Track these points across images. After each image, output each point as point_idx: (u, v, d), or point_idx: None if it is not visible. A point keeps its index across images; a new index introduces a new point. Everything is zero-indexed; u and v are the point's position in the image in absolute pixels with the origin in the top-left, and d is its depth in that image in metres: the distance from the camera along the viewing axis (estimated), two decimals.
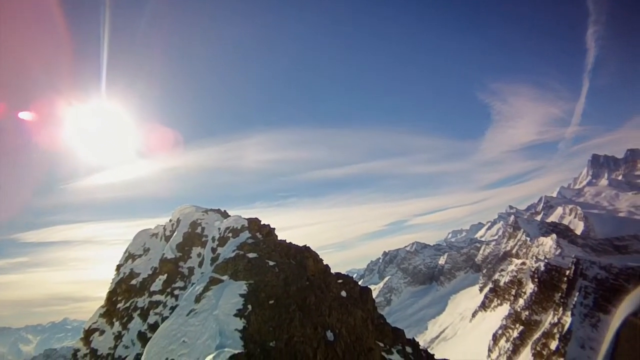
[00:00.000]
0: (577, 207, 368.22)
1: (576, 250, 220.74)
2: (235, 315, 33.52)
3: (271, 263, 40.89)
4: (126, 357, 45.52)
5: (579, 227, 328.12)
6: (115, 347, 48.26)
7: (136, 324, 48.90)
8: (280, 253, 43.76)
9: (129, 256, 59.82)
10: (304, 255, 44.47)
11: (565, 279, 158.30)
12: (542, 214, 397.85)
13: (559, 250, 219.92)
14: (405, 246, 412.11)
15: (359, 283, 51.47)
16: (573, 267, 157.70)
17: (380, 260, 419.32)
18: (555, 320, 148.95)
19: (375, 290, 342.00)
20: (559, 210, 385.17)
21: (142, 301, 51.23)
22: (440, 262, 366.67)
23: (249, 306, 34.46)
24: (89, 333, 52.20)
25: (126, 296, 53.36)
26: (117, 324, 51.02)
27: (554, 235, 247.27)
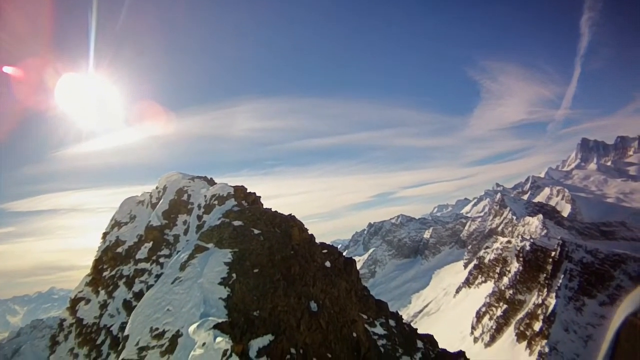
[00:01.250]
0: (564, 189, 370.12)
1: (562, 232, 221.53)
2: (220, 283, 33.36)
3: (256, 231, 40.60)
4: (111, 326, 45.48)
5: (565, 210, 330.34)
6: (101, 316, 48.12)
7: (121, 293, 48.77)
8: (265, 221, 43.46)
9: (115, 224, 59.44)
10: (289, 224, 44.22)
11: (551, 260, 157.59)
12: (529, 193, 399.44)
13: (545, 231, 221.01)
14: (391, 218, 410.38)
15: (344, 254, 51.62)
16: (559, 248, 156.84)
17: (365, 232, 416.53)
18: (540, 301, 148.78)
19: (360, 261, 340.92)
20: (546, 191, 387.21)
21: (127, 269, 51.09)
22: (425, 236, 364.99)
23: (234, 275, 34.28)
24: (74, 302, 52.04)
25: (112, 264, 53.15)
26: (102, 292, 50.83)
27: (540, 216, 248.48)
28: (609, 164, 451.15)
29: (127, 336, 33.53)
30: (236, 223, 41.53)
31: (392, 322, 53.77)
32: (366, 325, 46.82)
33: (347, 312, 40.36)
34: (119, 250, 54.03)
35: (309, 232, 46.50)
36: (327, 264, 44.43)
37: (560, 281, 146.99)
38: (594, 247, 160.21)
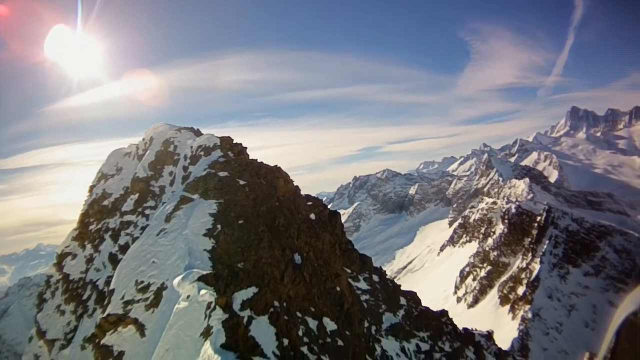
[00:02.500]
0: (552, 155, 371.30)
1: (548, 198, 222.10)
2: (205, 235, 32.95)
3: (242, 182, 40.11)
4: (97, 280, 45.07)
5: (552, 175, 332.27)
6: (87, 270, 47.73)
7: (107, 246, 48.27)
8: (251, 172, 42.85)
9: (102, 176, 58.54)
10: (275, 176, 43.72)
11: (536, 225, 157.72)
12: (516, 156, 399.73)
13: (531, 195, 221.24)
14: (377, 173, 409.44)
15: (329, 207, 51.45)
16: (545, 214, 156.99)
17: (351, 185, 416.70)
18: (524, 265, 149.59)
19: (344, 215, 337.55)
20: (534, 155, 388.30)
21: (113, 222, 50.50)
22: (410, 192, 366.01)
23: (219, 226, 33.81)
24: (61, 258, 51.54)
25: (98, 217, 52.48)
26: (88, 246, 50.30)
27: (527, 179, 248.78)
28: (598, 134, 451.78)
29: (113, 290, 33.53)
30: (222, 174, 40.94)
31: (375, 278, 53.94)
32: (350, 280, 46.92)
33: (331, 266, 40.38)
34: (105, 203, 53.34)
35: (295, 183, 46.19)
36: (312, 216, 44.34)
37: (545, 247, 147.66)
38: (580, 215, 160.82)
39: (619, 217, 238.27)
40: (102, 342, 30.38)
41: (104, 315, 31.59)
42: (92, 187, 58.14)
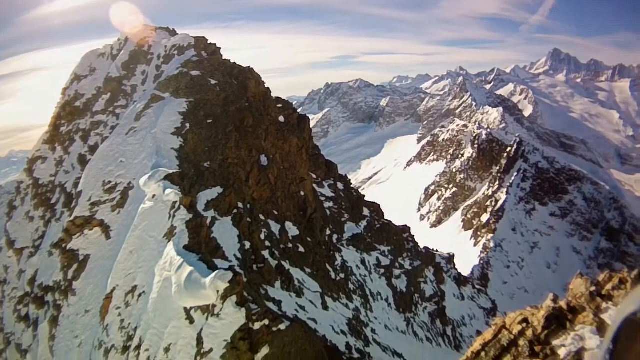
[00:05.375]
0: (529, 90, 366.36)
1: (521, 131, 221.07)
2: (173, 133, 30.78)
3: (213, 82, 37.57)
4: (66, 183, 42.85)
5: (527, 110, 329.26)
6: (57, 173, 45.43)
7: (77, 147, 45.73)
8: (223, 72, 40.35)
9: (75, 78, 54.89)
10: (247, 77, 41.26)
11: (506, 155, 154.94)
12: (492, 84, 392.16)
13: (503, 125, 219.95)
14: (349, 81, 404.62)
15: (298, 111, 49.40)
16: (516, 145, 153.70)
17: (322, 92, 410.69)
18: (490, 193, 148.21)
19: (313, 120, 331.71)
20: (510, 86, 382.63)
21: (84, 123, 47.65)
22: (381, 104, 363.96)
23: (187, 125, 31.84)
24: (31, 162, 48.75)
25: (69, 119, 49.54)
26: (59, 149, 47.47)
27: (500, 109, 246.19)
28: (578, 81, 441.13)
29: (80, 192, 31.80)
30: (194, 73, 38.61)
31: (340, 185, 53.27)
32: (314, 186, 46.27)
33: (296, 170, 39.97)
34: (77, 104, 50.19)
35: (266, 86, 44.04)
36: (281, 119, 42.86)
37: (512, 178, 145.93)
38: (552, 155, 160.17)
39: (592, 166, 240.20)
40: (69, 246, 28.88)
41: (71, 218, 29.91)
42: (65, 89, 54.79)
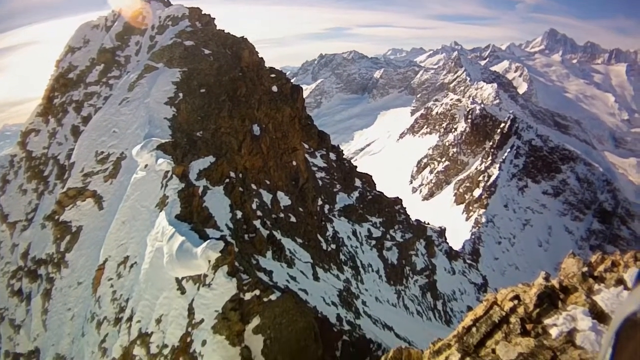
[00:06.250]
0: (524, 68, 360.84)
1: (515, 108, 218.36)
2: (166, 103, 30.33)
3: (207, 51, 37.28)
4: (59, 154, 42.35)
5: (521, 87, 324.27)
6: (50, 145, 44.89)
7: (70, 119, 45.14)
8: (217, 42, 40.08)
9: (69, 50, 53.92)
10: (240, 47, 40.84)
11: (499, 130, 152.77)
12: (486, 60, 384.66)
13: (497, 101, 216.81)
14: (343, 53, 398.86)
15: (292, 81, 48.77)
16: (509, 122, 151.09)
17: (316, 62, 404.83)
18: (482, 168, 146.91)
19: (307, 90, 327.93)
20: (505, 63, 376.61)
21: (77, 94, 47.06)
22: (375, 75, 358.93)
23: (180, 94, 31.46)
24: (25, 135, 48.08)
25: (62, 91, 48.93)
26: (52, 121, 46.88)
27: (495, 85, 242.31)
28: (574, 62, 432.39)
29: (73, 163, 31.50)
30: (188, 43, 38.13)
31: (332, 156, 53.11)
32: (307, 156, 46.22)
33: (289, 139, 39.76)
34: (71, 75, 49.47)
35: (260, 56, 43.62)
36: (274, 88, 42.40)
37: (505, 155, 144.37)
38: (546, 133, 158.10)
39: (585, 146, 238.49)
40: (61, 218, 28.52)
41: (64, 190, 29.60)
42: (58, 62, 53.95)
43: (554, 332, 5.30)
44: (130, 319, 18.30)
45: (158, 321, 17.00)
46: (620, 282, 5.68)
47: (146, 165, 24.51)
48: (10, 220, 41.79)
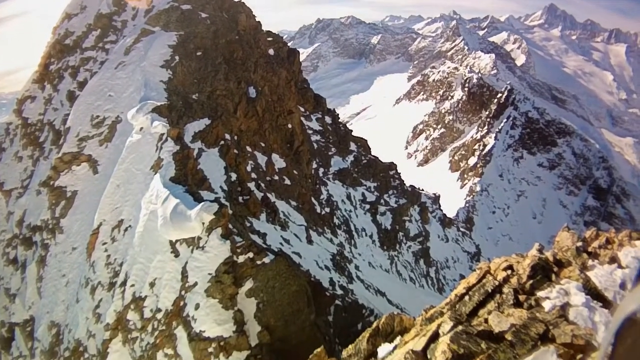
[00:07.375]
0: (522, 40, 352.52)
1: (512, 79, 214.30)
2: (162, 66, 29.75)
3: (204, 15, 36.64)
4: (54, 120, 41.68)
5: (519, 59, 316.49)
6: (45, 111, 44.21)
7: (66, 84, 44.36)
8: (214, 6, 39.30)
9: (66, 16, 52.77)
10: (238, 10, 40.26)
11: (496, 100, 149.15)
12: (485, 31, 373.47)
13: (495, 71, 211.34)
14: (341, 17, 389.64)
15: (289, 45, 48.53)
16: (506, 92, 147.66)
17: (313, 27, 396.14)
18: (478, 136, 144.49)
19: (303, 54, 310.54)
20: (504, 35, 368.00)
21: (73, 59, 46.20)
22: (373, 41, 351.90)
23: (176, 57, 30.90)
24: (20, 102, 47.21)
25: (59, 57, 48.05)
26: (48, 87, 46.09)
27: (493, 55, 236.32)
28: (573, 38, 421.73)
29: (69, 128, 30.77)
30: (184, 7, 37.39)
31: (328, 119, 52.51)
32: (302, 119, 45.57)
33: (284, 102, 39.39)
34: (67, 41, 48.53)
35: (257, 19, 43.10)
36: (271, 51, 42.14)
37: (502, 125, 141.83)
38: (543, 106, 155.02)
39: (582, 122, 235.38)
40: (56, 183, 28.13)
41: (59, 155, 29.11)
42: (55, 29, 52.92)
43: (547, 305, 5.11)
44: (124, 283, 18.19)
45: (152, 285, 16.91)
46: (614, 260, 5.51)
47: (141, 128, 24.14)
48: (6, 188, 41.33)
